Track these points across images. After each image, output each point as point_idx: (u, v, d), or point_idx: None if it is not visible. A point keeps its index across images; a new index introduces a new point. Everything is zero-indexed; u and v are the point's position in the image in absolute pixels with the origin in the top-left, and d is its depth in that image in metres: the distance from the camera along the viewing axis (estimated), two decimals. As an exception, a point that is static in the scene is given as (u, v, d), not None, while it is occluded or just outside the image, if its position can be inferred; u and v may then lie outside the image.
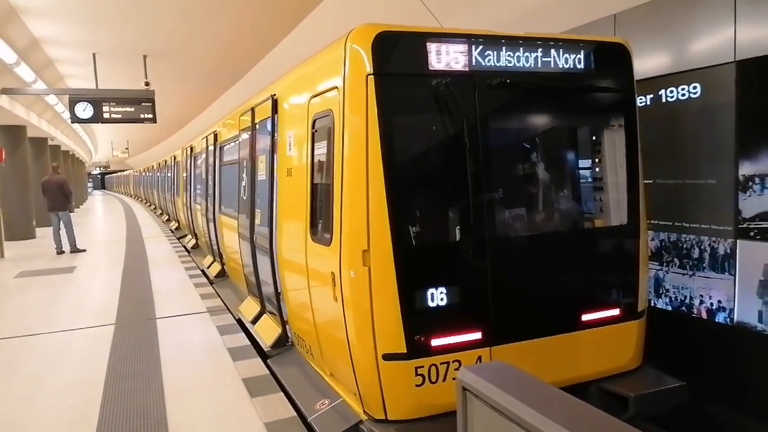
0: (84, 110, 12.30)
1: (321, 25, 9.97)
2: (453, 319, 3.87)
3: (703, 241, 4.90)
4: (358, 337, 3.78)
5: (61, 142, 25.84)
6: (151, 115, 12.88)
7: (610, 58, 4.45)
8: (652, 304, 5.34)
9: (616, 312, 4.38)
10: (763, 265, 4.43)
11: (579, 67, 4.28)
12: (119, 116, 12.62)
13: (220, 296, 8.50)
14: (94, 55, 12.43)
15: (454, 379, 3.42)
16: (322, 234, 4.25)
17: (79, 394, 4.91)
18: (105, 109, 12.46)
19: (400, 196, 3.72)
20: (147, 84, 12.89)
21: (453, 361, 3.83)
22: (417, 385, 3.76)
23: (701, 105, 4.87)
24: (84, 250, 13.74)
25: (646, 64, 5.27)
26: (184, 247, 14.61)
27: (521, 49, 4.09)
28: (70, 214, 14.04)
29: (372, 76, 3.67)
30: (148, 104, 12.80)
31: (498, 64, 4.03)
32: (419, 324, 3.75)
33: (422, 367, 3.76)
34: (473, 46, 3.95)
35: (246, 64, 14.09)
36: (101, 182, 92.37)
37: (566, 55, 4.23)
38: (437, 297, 3.80)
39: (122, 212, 29.96)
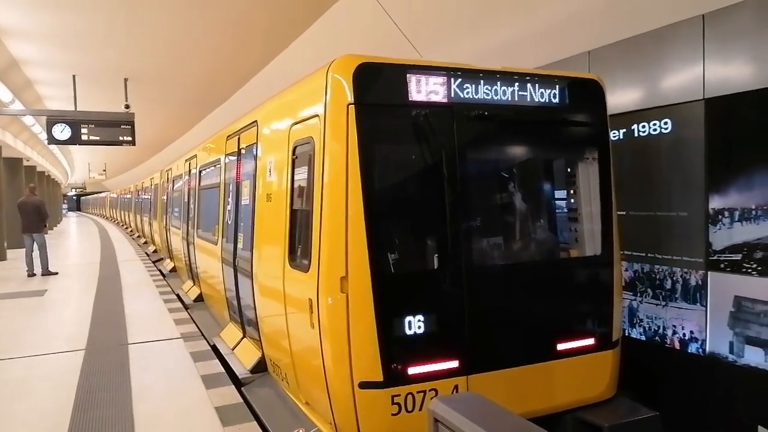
0: (62, 132, 12.18)
1: (302, 55, 10.11)
2: (430, 347, 3.87)
3: (676, 272, 5.00)
4: (334, 365, 3.76)
5: (36, 163, 25.49)
6: (130, 138, 12.79)
7: (584, 93, 4.62)
8: (627, 334, 5.40)
9: (590, 341, 4.43)
10: (733, 297, 4.53)
11: (554, 101, 4.43)
12: (98, 138, 12.51)
13: (195, 322, 8.36)
14: (74, 77, 12.39)
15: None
16: (300, 260, 4.26)
17: (45, 423, 4.76)
18: (83, 131, 12.35)
19: (379, 223, 3.76)
20: (127, 107, 12.84)
21: (429, 390, 3.81)
22: (393, 414, 3.73)
23: (672, 140, 5.02)
24: (56, 273, 13.45)
25: (619, 99, 5.44)
26: (160, 271, 14.39)
27: (498, 82, 4.23)
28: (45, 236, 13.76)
29: (352, 105, 3.74)
30: (127, 127, 12.72)
31: (476, 97, 4.15)
32: (396, 352, 3.74)
33: (399, 395, 3.74)
34: (452, 79, 4.06)
35: (227, 89, 14.19)
36: (77, 204, 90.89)
37: (542, 90, 4.37)
38: (414, 325, 3.79)
39: (97, 234, 29.45)
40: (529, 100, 4.33)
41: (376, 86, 3.90)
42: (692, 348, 4.88)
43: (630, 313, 5.43)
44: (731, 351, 4.56)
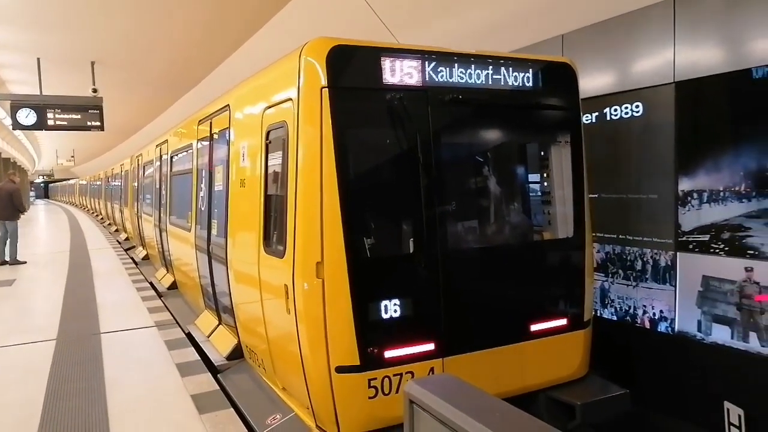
0: (27, 117, 11.83)
1: (275, 37, 9.94)
2: (406, 330, 3.89)
3: (646, 253, 5.10)
4: (311, 350, 3.77)
5: (2, 149, 24.73)
6: (98, 123, 12.50)
7: (557, 77, 4.65)
8: (599, 314, 5.51)
9: (563, 322, 4.51)
10: (701, 277, 4.64)
11: (527, 84, 4.46)
12: (65, 123, 12.20)
13: (169, 310, 8.26)
14: (38, 59, 11.98)
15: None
16: (275, 246, 4.24)
17: (15, 415, 4.66)
18: (50, 115, 12.02)
19: (354, 208, 3.76)
20: (95, 91, 12.51)
21: (406, 373, 3.84)
22: (370, 398, 3.76)
23: (643, 123, 5.09)
24: (24, 263, 13.10)
25: (592, 82, 5.48)
26: (132, 259, 14.15)
27: (473, 66, 4.23)
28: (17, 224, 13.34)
29: (326, 88, 3.71)
30: (95, 111, 12.42)
31: (450, 80, 4.14)
32: (373, 336, 3.75)
33: (375, 379, 3.77)
34: (427, 62, 4.04)
35: (199, 73, 13.92)
36: (45, 191, 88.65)
37: (515, 73, 4.39)
38: (390, 309, 3.81)
39: (66, 222, 28.80)
40: (503, 83, 4.35)
41: (350, 69, 3.87)
42: (662, 327, 5.00)
43: (601, 294, 5.53)
44: (699, 329, 4.68)
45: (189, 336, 6.78)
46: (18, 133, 23.67)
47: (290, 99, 3.98)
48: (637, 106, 5.12)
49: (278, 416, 4.29)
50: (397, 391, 3.82)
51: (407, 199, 4.07)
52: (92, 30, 10.47)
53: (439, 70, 4.09)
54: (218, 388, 5.12)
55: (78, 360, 5.99)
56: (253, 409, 4.61)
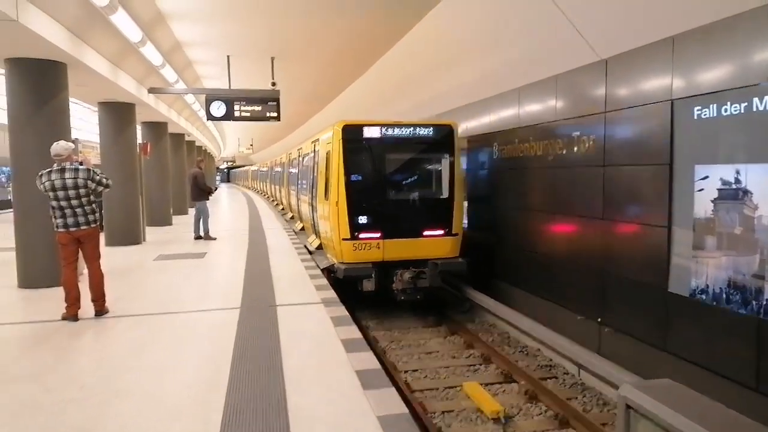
0: (218, 109, 13.22)
1: (429, 36, 10.03)
2: (368, 228, 9.96)
3: None
4: (334, 234, 10.17)
5: (195, 138, 28.05)
6: (276, 114, 13.55)
7: (444, 131, 10.54)
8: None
9: (441, 232, 10.33)
10: None
11: (429, 135, 10.45)
12: (248, 114, 13.42)
13: (297, 236, 9.79)
14: (228, 57, 13.35)
15: (369, 249, 10.05)
16: (327, 197, 10.48)
17: (209, 368, 5.30)
18: (236, 107, 13.29)
19: (350, 184, 9.96)
20: (273, 84, 13.61)
21: (367, 242, 10.00)
22: (353, 250, 9.99)
23: None
24: (215, 239, 14.68)
25: None
26: (282, 212, 17.71)
27: (403, 128, 10.29)
28: (207, 203, 14.99)
29: (341, 140, 10.00)
30: (273, 103, 13.49)
31: (393, 134, 10.29)
32: (355, 228, 9.93)
33: (356, 243, 9.98)
34: (383, 127, 10.20)
35: (346, 81, 16.07)
36: (227, 176, 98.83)
37: (423, 130, 10.41)
38: (363, 219, 9.95)
39: (245, 203, 31.92)
40: (417, 135, 10.41)
41: (351, 133, 10.12)
42: None
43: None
44: None
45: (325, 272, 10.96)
46: (208, 123, 26.67)
47: (331, 143, 10.32)
48: None
49: (326, 261, 11.21)
50: (363, 250, 10.02)
51: (371, 180, 10.30)
52: (274, 28, 11.42)
53: (388, 130, 10.25)
54: (380, 367, 5.33)
55: (258, 327, 6.61)
56: (319, 261, 11.28)
